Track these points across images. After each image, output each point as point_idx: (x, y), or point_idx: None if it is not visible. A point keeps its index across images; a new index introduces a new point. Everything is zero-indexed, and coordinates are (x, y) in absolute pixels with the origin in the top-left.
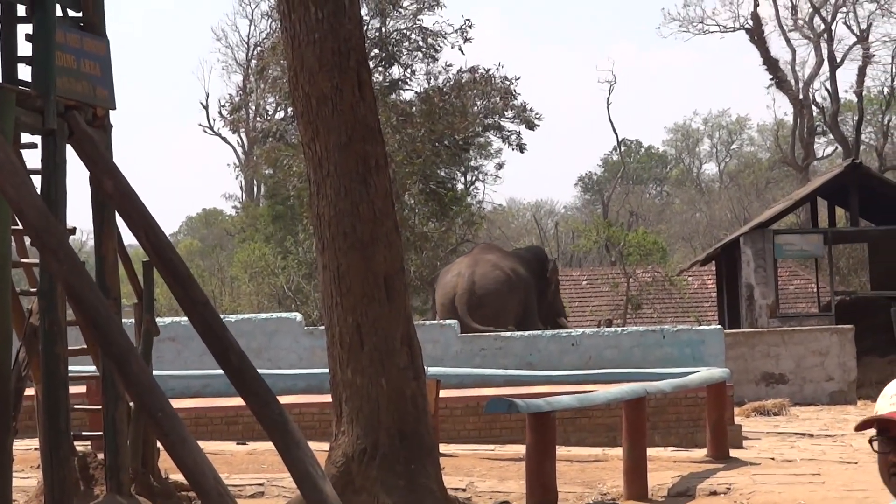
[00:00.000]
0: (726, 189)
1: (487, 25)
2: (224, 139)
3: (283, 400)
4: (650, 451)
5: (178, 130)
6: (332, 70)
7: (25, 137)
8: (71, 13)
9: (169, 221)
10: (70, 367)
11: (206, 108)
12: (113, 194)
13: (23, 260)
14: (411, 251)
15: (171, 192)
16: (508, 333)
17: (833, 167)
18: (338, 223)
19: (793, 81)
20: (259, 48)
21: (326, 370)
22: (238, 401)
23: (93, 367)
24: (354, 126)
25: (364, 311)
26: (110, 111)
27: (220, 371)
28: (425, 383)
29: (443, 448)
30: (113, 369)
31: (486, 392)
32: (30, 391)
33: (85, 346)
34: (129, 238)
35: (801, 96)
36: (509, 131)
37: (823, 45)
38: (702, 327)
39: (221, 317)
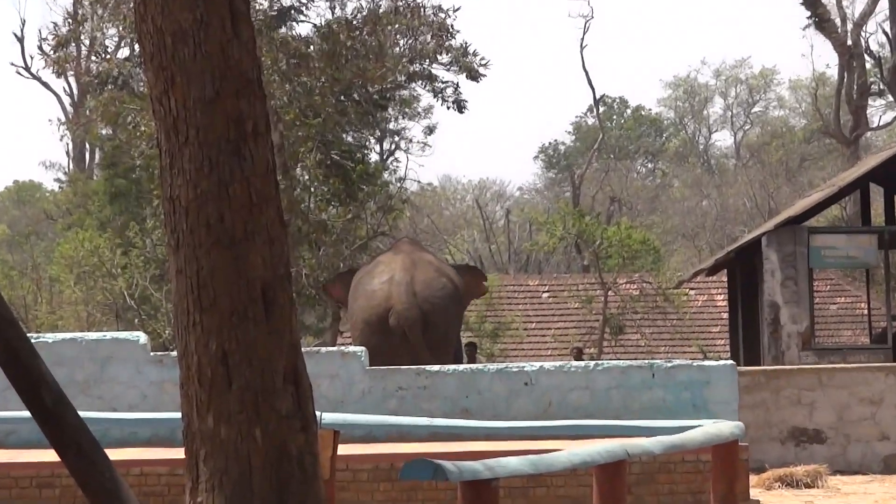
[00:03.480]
0: (745, 168)
1: None
2: (45, 84)
3: (119, 455)
4: None
5: None
6: None
7: None
8: None
9: None
10: None
11: (20, 41)
12: None
13: None
14: (303, 247)
15: None
16: (437, 368)
17: (893, 142)
18: (198, 210)
19: (839, 21)
20: None
21: (180, 415)
22: (55, 455)
23: None
24: (225, 74)
25: (233, 333)
26: None
27: (29, 414)
28: (317, 436)
29: None
30: None
31: (404, 449)
32: None
33: None
34: None
35: (849, 42)
36: (444, 82)
37: None
38: (707, 363)
39: (34, 337)
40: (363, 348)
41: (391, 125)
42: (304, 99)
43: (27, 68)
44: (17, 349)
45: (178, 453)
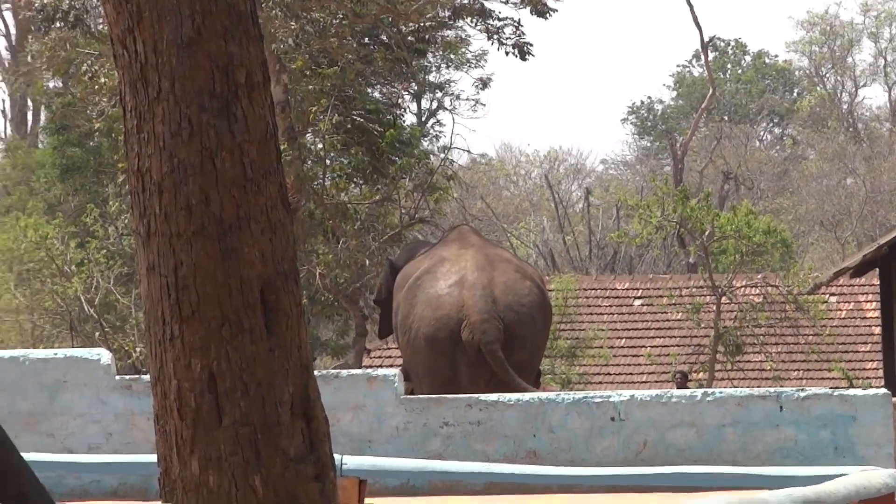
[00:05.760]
0: None
1: None
2: None
3: None
4: None
5: None
6: None
7: None
8: None
9: None
10: None
11: None
12: None
13: None
14: (317, 239)
15: None
16: (495, 397)
17: None
18: (175, 188)
19: None
20: None
21: (154, 458)
22: None
23: None
24: (208, 7)
25: (223, 351)
26: None
27: None
28: (336, 486)
29: None
30: None
31: None
32: None
33: None
34: None
35: None
36: (502, 20)
37: None
38: (853, 392)
39: None
40: (396, 371)
41: (432, 77)
42: (315, 41)
43: None
44: None
45: None
